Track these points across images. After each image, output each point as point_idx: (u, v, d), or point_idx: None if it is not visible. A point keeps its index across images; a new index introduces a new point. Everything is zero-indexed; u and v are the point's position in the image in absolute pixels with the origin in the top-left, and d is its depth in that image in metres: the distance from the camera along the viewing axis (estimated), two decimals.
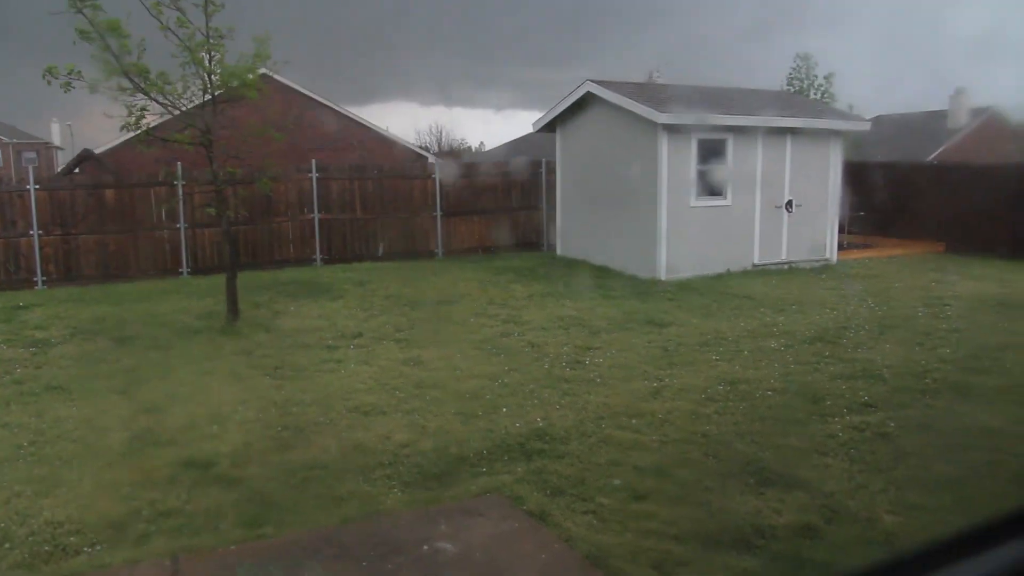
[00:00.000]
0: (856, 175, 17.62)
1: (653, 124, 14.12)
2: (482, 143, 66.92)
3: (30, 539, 4.78)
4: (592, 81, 16.03)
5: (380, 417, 6.97)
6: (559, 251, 17.76)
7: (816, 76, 33.16)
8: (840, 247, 16.55)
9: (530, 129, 19.82)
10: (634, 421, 6.70)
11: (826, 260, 15.95)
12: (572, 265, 16.04)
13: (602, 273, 14.89)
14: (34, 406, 7.49)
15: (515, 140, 38.58)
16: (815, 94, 32.10)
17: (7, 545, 4.73)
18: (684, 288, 13.16)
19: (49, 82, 9.59)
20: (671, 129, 14.15)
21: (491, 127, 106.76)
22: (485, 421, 6.81)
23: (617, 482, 5.43)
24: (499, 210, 18.93)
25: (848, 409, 6.87)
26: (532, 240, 19.12)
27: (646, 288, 13.33)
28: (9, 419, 7.12)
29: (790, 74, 33.25)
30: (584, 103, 16.52)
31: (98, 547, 4.71)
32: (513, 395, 7.53)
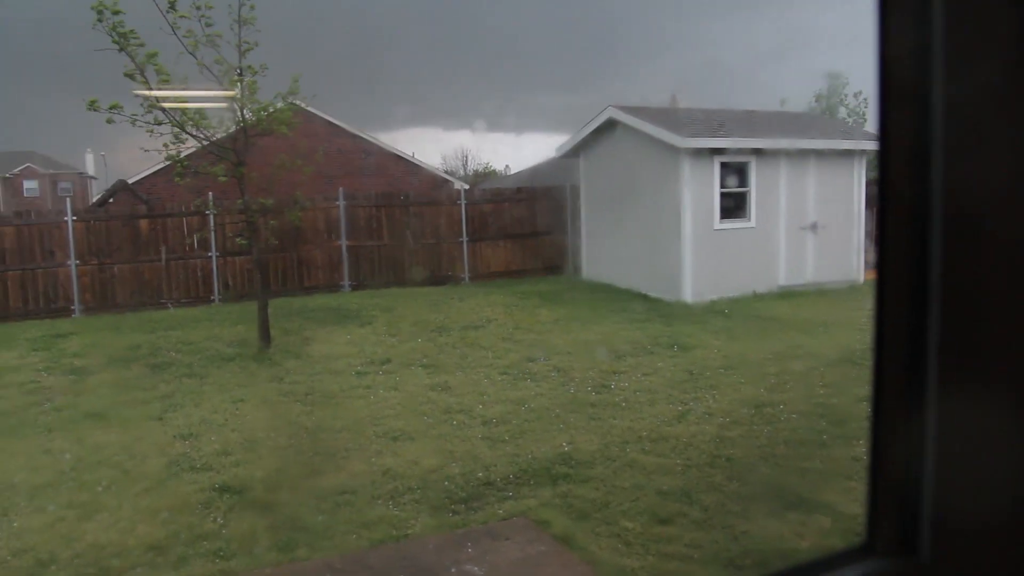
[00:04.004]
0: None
1: (675, 148, 14.25)
2: (507, 166, 67.21)
3: (75, 561, 4.97)
4: (614, 107, 16.22)
5: (409, 442, 7.11)
6: (584, 275, 17.87)
7: (845, 95, 33.04)
8: (867, 267, 16.50)
9: (553, 153, 20.03)
10: (659, 445, 6.78)
11: (853, 280, 15.91)
12: (597, 289, 16.15)
13: (627, 296, 14.98)
14: (74, 432, 7.73)
15: (539, 164, 38.81)
16: (845, 114, 32.00)
17: (53, 567, 4.92)
18: (709, 310, 13.21)
19: (97, 109, 9.93)
20: (693, 153, 14.28)
21: (513, 151, 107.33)
22: (512, 446, 6.93)
23: (641, 505, 5.52)
24: (525, 234, 19.12)
25: None
26: (558, 264, 19.26)
27: (671, 311, 13.40)
28: (52, 445, 7.36)
29: (818, 94, 33.17)
30: (607, 128, 16.71)
31: (139, 569, 4.88)
32: (539, 420, 7.64)
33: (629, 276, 15.92)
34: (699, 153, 14.34)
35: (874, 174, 15.68)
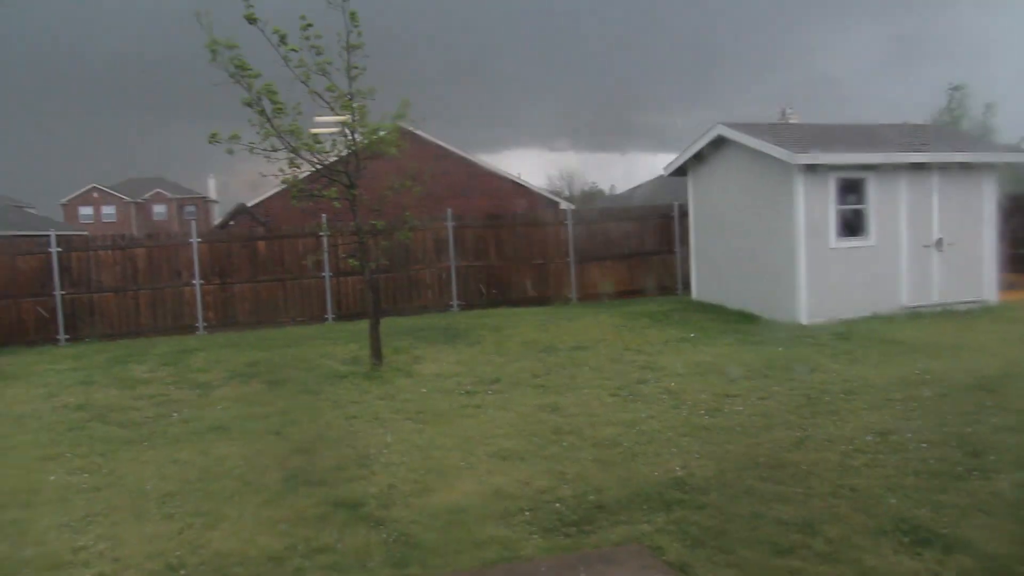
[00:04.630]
0: (1018, 210, 16.56)
1: (788, 165, 13.83)
2: (613, 186, 67.16)
3: (201, 568, 5.16)
4: (723, 123, 15.91)
5: (519, 462, 7.08)
6: (694, 295, 17.53)
7: (968, 108, 31.51)
8: (1000, 287, 15.53)
9: (660, 172, 19.81)
10: (777, 472, 6.51)
11: (984, 301, 15.01)
12: (708, 309, 15.80)
13: (739, 318, 14.59)
14: (199, 444, 8.07)
15: (646, 183, 38.53)
16: (969, 126, 30.46)
17: (182, 572, 5.12)
18: (827, 332, 12.70)
19: (219, 142, 10.43)
20: (808, 169, 13.82)
21: (619, 171, 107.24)
22: (623, 469, 6.80)
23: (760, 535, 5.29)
24: (632, 254, 18.95)
25: (1016, 465, 6.43)
26: (666, 284, 18.99)
27: (786, 333, 12.95)
28: (179, 456, 7.70)
29: (943, 107, 31.75)
30: (715, 145, 16.40)
31: None
32: (651, 443, 7.49)
33: (741, 296, 15.51)
34: (813, 169, 13.87)
35: (1010, 188, 14.77)
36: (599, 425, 8.16)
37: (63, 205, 71.87)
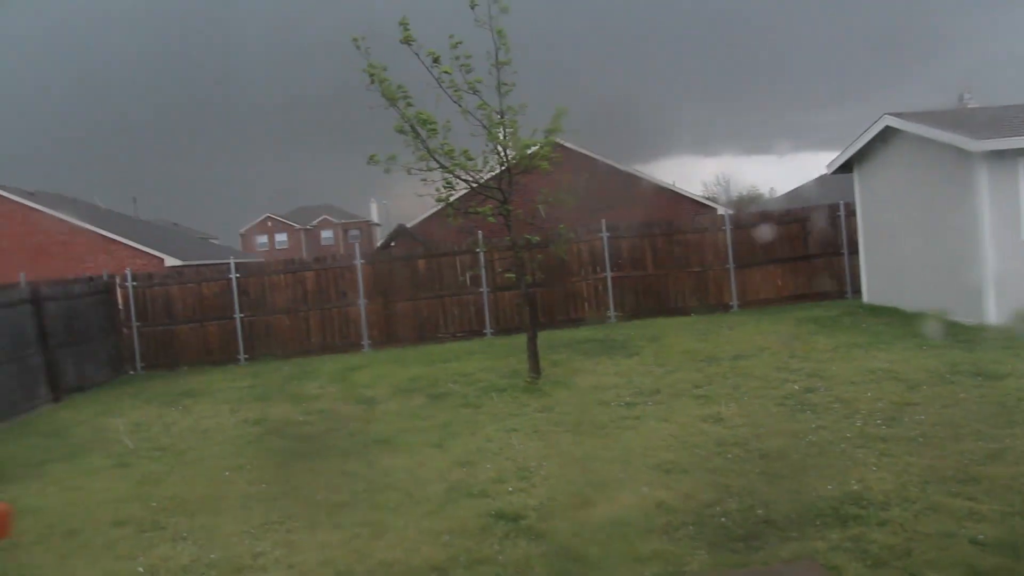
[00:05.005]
0: None
1: (968, 153, 12.76)
2: (772, 189, 64.76)
3: None
4: (891, 114, 14.92)
5: (681, 475, 6.85)
6: (865, 298, 16.50)
7: None
8: None
9: (822, 171, 18.86)
10: (968, 487, 5.94)
11: None
12: (880, 312, 14.82)
13: (916, 320, 13.56)
14: (366, 457, 8.36)
15: (807, 183, 36.86)
16: None
17: None
18: (1021, 334, 11.56)
19: (377, 163, 10.85)
20: (992, 156, 12.68)
21: (777, 172, 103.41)
22: (792, 482, 6.43)
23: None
24: (795, 258, 18.11)
25: None
26: (833, 288, 18.00)
27: (971, 335, 11.91)
28: (347, 468, 8.00)
29: None
30: (883, 138, 15.41)
31: None
32: (822, 455, 7.04)
33: (918, 297, 14.43)
34: (999, 156, 12.70)
35: None
36: (765, 436, 7.77)
37: (241, 235, 77.48)
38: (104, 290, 17.41)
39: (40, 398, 13.72)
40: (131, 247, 23.49)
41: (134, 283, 17.92)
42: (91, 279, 17.44)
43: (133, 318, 17.79)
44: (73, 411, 13.08)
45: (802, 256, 18.15)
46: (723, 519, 5.75)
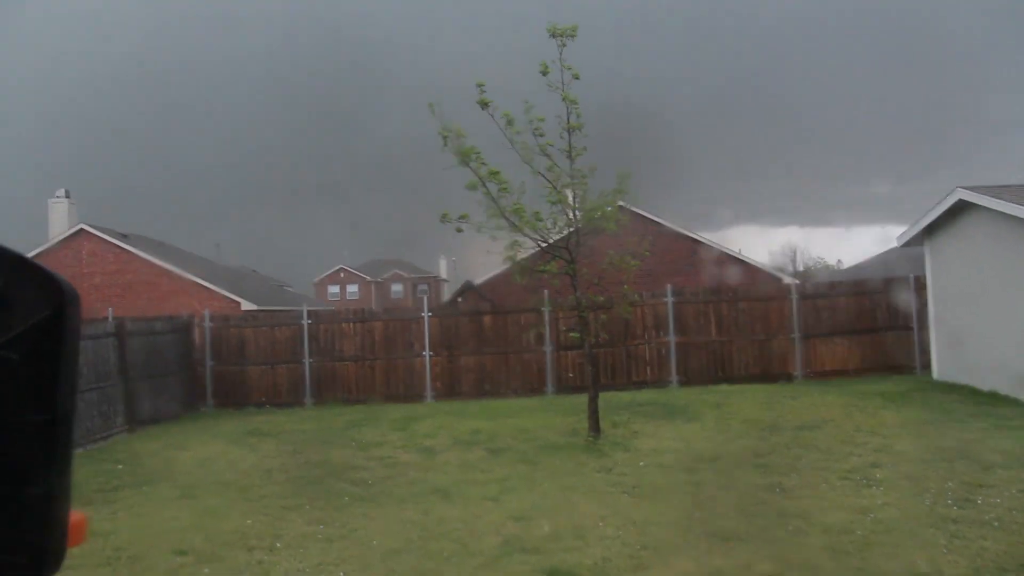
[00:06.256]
0: None
1: None
2: (839, 261, 63.59)
3: None
4: (963, 187, 14.68)
5: (739, 544, 6.77)
6: (936, 375, 16.04)
7: None
8: None
9: (892, 244, 18.56)
10: None
11: None
12: (953, 390, 14.39)
13: (991, 399, 13.12)
14: (422, 505, 8.47)
15: (876, 256, 36.13)
16: None
17: None
18: None
19: (449, 221, 11.20)
20: None
21: (843, 245, 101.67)
22: (857, 558, 6.30)
23: None
24: (863, 331, 17.74)
25: None
26: (902, 363, 17.54)
27: None
28: (403, 515, 8.12)
29: None
30: (955, 212, 15.13)
31: None
32: (888, 532, 6.88)
33: (995, 376, 13.95)
34: None
35: None
36: (828, 510, 7.63)
37: (314, 284, 79.35)
38: (183, 329, 18.13)
39: (116, 427, 14.29)
40: (211, 290, 24.35)
41: (211, 324, 18.60)
42: (171, 318, 18.19)
43: (208, 357, 18.41)
44: (146, 442, 13.56)
45: (869, 328, 17.77)
46: None
